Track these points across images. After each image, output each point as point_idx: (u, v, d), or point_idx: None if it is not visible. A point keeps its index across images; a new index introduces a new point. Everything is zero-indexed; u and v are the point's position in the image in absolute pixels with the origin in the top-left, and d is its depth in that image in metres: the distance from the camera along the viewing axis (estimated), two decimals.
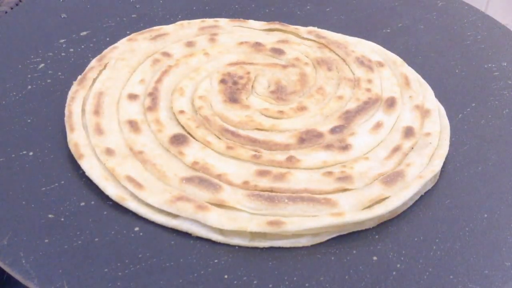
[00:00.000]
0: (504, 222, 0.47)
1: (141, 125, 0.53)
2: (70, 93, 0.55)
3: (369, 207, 0.46)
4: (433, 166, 0.50)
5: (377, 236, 0.46)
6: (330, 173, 0.49)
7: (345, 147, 0.51)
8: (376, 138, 0.53)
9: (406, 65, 0.61)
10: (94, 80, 0.56)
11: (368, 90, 0.57)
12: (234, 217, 0.45)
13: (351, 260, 0.44)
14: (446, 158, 0.52)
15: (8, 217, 0.45)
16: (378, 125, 0.54)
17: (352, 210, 0.46)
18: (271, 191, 0.47)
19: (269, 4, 0.71)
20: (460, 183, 0.51)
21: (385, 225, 0.47)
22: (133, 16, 0.67)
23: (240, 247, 0.44)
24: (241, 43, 0.62)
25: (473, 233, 0.46)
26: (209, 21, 0.65)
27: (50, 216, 0.45)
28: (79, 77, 0.56)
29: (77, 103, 0.54)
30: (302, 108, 0.55)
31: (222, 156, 0.50)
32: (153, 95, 0.55)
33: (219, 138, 0.52)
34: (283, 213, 0.46)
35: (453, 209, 0.48)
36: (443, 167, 0.51)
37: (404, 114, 0.55)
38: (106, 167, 0.49)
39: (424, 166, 0.50)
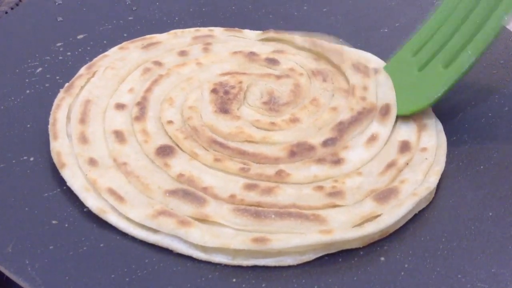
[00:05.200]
0: (510, 220, 0.47)
1: (127, 136, 0.51)
2: (56, 100, 0.54)
3: (359, 224, 0.45)
4: (428, 183, 0.48)
5: (383, 237, 0.46)
6: (320, 187, 0.48)
7: (337, 161, 0.50)
8: (370, 152, 0.51)
9: None
10: (82, 88, 0.55)
11: (363, 98, 0.55)
12: (217, 234, 0.44)
13: (358, 261, 0.44)
14: (448, 157, 0.52)
15: (11, 224, 0.45)
16: (372, 138, 0.52)
17: (342, 227, 0.44)
18: (258, 205, 0.46)
19: (266, 5, 0.70)
20: (464, 182, 0.51)
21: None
22: (129, 18, 0.66)
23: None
24: (235, 52, 0.61)
25: (479, 231, 0.46)
26: (203, 30, 0.64)
27: (54, 222, 0.45)
28: (67, 84, 0.55)
29: (63, 110, 0.53)
30: (294, 120, 0.54)
31: (209, 168, 0.49)
32: (141, 104, 0.54)
33: (207, 150, 0.50)
34: (270, 229, 0.44)
35: (458, 208, 0.48)
36: (446, 166, 0.51)
37: (400, 127, 0.54)
38: (88, 178, 0.47)
39: (419, 183, 0.48)
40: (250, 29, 0.65)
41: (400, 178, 0.49)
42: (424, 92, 0.54)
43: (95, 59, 0.59)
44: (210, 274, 0.42)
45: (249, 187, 0.47)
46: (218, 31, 0.64)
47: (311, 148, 0.51)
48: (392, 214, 0.45)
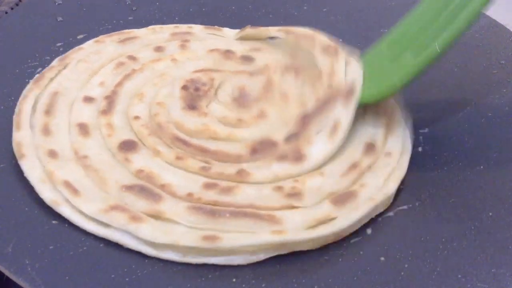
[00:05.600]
0: (510, 220, 0.47)
1: (91, 129, 0.51)
2: (24, 91, 0.54)
3: (313, 226, 0.44)
4: (386, 188, 0.48)
5: (383, 237, 0.46)
6: (280, 188, 0.47)
7: (299, 158, 0.49)
8: (332, 145, 0.50)
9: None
10: (52, 79, 0.55)
11: (329, 86, 0.53)
12: (169, 231, 0.43)
13: (358, 261, 0.44)
14: (449, 157, 0.52)
15: (11, 224, 0.44)
16: (334, 127, 0.50)
17: (296, 228, 0.44)
18: (215, 204, 0.45)
19: (266, 5, 0.70)
20: (464, 182, 0.50)
21: (390, 225, 0.47)
22: (129, 18, 0.66)
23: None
24: (212, 50, 0.60)
25: (479, 231, 0.46)
26: (183, 27, 0.63)
27: (53, 222, 0.45)
28: (37, 75, 0.55)
29: (29, 101, 0.52)
30: (262, 116, 0.53)
31: (170, 166, 0.48)
32: (110, 98, 0.54)
33: (170, 147, 0.50)
34: (223, 228, 0.44)
35: (458, 208, 0.48)
36: (446, 166, 0.51)
37: (368, 129, 0.53)
38: (46, 169, 0.47)
39: (378, 188, 0.48)
40: None
41: (361, 182, 0.48)
42: (390, 81, 0.53)
43: (69, 52, 0.58)
44: (210, 274, 0.42)
45: (209, 186, 0.47)
46: (197, 28, 0.64)
47: (273, 144, 0.50)
48: (346, 218, 0.45)
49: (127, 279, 0.41)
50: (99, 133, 0.51)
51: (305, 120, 0.52)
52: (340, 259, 0.44)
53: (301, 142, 0.50)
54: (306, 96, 0.54)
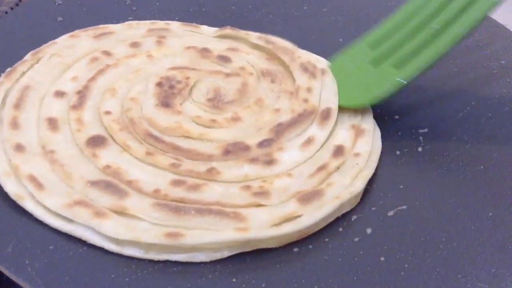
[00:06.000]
0: (509, 220, 0.47)
1: (61, 124, 0.51)
2: None
3: (278, 224, 0.44)
4: (353, 187, 0.48)
5: (383, 237, 0.46)
6: (248, 187, 0.47)
7: (270, 162, 0.49)
8: (304, 154, 0.50)
9: None
10: (24, 73, 0.55)
11: (305, 100, 0.54)
12: (132, 227, 0.43)
13: (358, 261, 0.44)
14: (449, 157, 0.52)
15: (11, 224, 0.44)
16: (309, 141, 0.51)
17: (261, 226, 0.44)
18: (181, 201, 0.45)
19: (266, 5, 0.70)
20: (464, 182, 0.50)
21: (390, 225, 0.47)
22: (129, 18, 0.66)
23: None
24: (188, 47, 0.60)
25: (479, 231, 0.46)
26: (160, 23, 0.63)
27: None
28: (8, 69, 0.55)
29: None
30: (236, 119, 0.53)
31: (139, 162, 0.48)
32: (81, 93, 0.53)
33: (141, 143, 0.49)
34: (187, 225, 0.43)
35: (458, 208, 0.48)
36: (446, 166, 0.51)
37: (338, 132, 0.53)
38: (11, 163, 0.47)
39: (345, 187, 0.48)
40: (250, 29, 0.65)
41: (328, 181, 0.48)
42: (369, 90, 0.53)
43: (43, 46, 0.58)
44: (210, 274, 0.42)
45: (177, 183, 0.46)
46: (174, 25, 0.63)
47: (246, 148, 0.50)
48: (311, 216, 0.45)
49: (127, 279, 0.41)
50: (68, 128, 0.51)
51: (279, 129, 0.52)
52: (340, 259, 0.44)
53: (274, 148, 0.50)
54: (281, 107, 0.54)
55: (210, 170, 0.48)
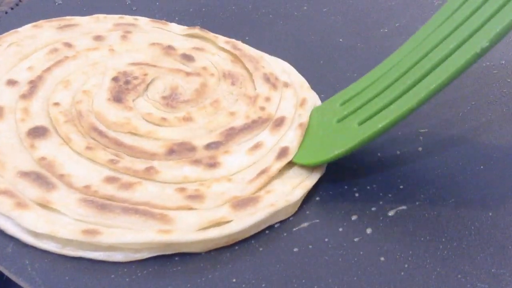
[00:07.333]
0: (509, 220, 0.47)
1: (7, 112, 0.50)
2: None
3: (205, 228, 0.43)
4: (291, 196, 0.46)
5: (383, 237, 0.46)
6: (183, 189, 0.46)
7: (213, 165, 0.48)
8: (250, 159, 0.49)
9: (311, 90, 0.57)
10: None
11: (262, 108, 0.54)
12: (52, 221, 0.42)
13: (358, 261, 0.44)
14: (449, 157, 0.52)
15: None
16: (257, 146, 0.50)
17: (186, 229, 0.43)
18: (111, 199, 0.44)
19: (266, 5, 0.70)
20: (463, 182, 0.50)
21: (390, 225, 0.47)
22: None
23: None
24: (153, 44, 0.59)
25: (479, 231, 0.46)
26: (128, 18, 0.63)
27: None
28: None
29: None
30: (188, 119, 0.52)
31: (77, 156, 0.48)
32: (33, 83, 0.53)
33: (83, 137, 0.49)
34: (111, 223, 0.43)
35: (458, 208, 0.48)
36: (446, 166, 0.51)
37: (288, 133, 0.52)
38: None
39: (285, 195, 0.47)
40: (250, 29, 0.65)
41: (268, 188, 0.47)
42: (327, 146, 0.49)
43: (3, 34, 0.58)
44: (210, 274, 0.42)
45: (110, 180, 0.46)
46: (143, 21, 0.63)
47: (192, 148, 0.49)
48: (240, 222, 0.44)
49: (127, 279, 0.41)
50: (13, 117, 0.50)
51: (231, 132, 0.51)
52: (340, 259, 0.44)
53: (220, 151, 0.50)
54: (237, 111, 0.54)
55: (149, 169, 0.47)
